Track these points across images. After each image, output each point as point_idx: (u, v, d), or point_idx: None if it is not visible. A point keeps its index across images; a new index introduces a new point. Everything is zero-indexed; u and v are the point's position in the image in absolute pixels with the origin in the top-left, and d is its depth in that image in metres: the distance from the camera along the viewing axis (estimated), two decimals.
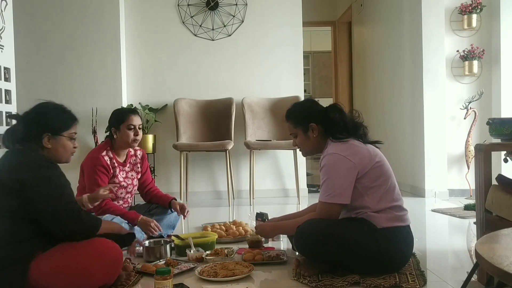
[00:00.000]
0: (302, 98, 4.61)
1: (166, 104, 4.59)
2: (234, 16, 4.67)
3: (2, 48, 3.06)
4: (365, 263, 1.98)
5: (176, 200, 2.88)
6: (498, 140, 2.24)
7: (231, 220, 3.18)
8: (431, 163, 4.42)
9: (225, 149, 4.14)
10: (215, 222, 3.12)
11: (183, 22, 4.66)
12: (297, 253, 2.31)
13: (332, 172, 2.02)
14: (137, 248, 2.55)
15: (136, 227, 2.66)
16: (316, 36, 9.34)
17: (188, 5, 4.65)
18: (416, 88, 4.58)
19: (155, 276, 1.76)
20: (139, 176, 2.88)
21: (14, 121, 1.88)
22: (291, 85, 4.69)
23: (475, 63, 4.42)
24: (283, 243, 2.67)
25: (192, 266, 2.19)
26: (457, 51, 4.49)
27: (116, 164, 2.71)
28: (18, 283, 1.64)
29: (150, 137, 4.41)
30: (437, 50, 4.41)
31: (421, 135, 4.46)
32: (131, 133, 2.69)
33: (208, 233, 2.73)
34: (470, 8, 4.38)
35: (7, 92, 3.10)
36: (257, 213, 2.75)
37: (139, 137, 2.73)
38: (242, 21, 4.68)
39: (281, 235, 2.67)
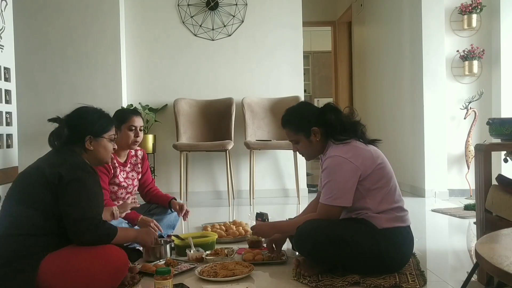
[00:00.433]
0: (302, 98, 4.62)
1: (166, 104, 4.59)
2: (234, 16, 4.67)
3: (2, 48, 3.06)
4: (365, 263, 1.98)
5: (176, 199, 2.88)
6: (498, 140, 2.23)
7: (231, 220, 3.18)
8: (431, 163, 4.42)
9: (225, 149, 4.14)
10: (215, 222, 3.12)
11: (183, 22, 4.66)
12: (297, 253, 2.31)
13: (335, 175, 2.01)
14: (137, 248, 2.56)
15: (135, 227, 2.66)
16: (316, 36, 9.34)
17: (188, 5, 4.65)
18: (416, 88, 4.58)
19: (155, 276, 1.76)
20: (139, 177, 2.87)
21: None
22: (291, 85, 4.69)
23: (475, 63, 4.42)
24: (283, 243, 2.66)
25: (192, 266, 2.19)
26: (457, 51, 4.49)
27: (116, 165, 2.71)
28: (27, 279, 1.66)
29: (150, 137, 4.41)
30: (437, 50, 4.40)
31: (421, 135, 4.46)
32: (132, 134, 2.67)
33: (208, 233, 2.73)
34: (470, 8, 4.38)
35: (7, 92, 3.10)
36: (257, 213, 2.75)
37: (140, 138, 2.71)
38: (242, 21, 4.68)
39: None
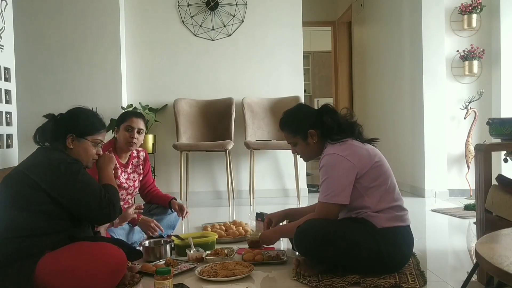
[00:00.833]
0: (302, 98, 4.62)
1: (166, 104, 4.59)
2: (234, 16, 4.67)
3: (2, 48, 3.06)
4: (365, 263, 1.98)
5: (176, 199, 2.88)
6: (498, 140, 2.24)
7: (231, 220, 3.18)
8: (431, 163, 4.42)
9: (225, 149, 4.14)
10: (215, 222, 3.12)
11: (183, 22, 4.66)
12: (297, 253, 2.31)
13: (331, 173, 2.02)
14: (136, 248, 2.56)
15: (136, 227, 2.66)
16: (316, 36, 9.34)
17: (188, 5, 4.65)
18: (416, 88, 4.58)
19: (155, 276, 1.76)
20: (141, 178, 2.87)
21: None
22: (291, 85, 4.69)
23: (475, 63, 4.42)
24: (283, 243, 2.67)
25: (192, 266, 2.19)
26: (457, 51, 4.49)
27: (118, 165, 2.69)
28: (25, 279, 1.66)
29: (150, 137, 4.41)
30: (437, 50, 4.41)
31: (421, 135, 4.46)
32: (127, 134, 2.65)
33: (208, 233, 2.72)
34: (470, 8, 4.38)
35: (7, 92, 3.10)
36: (257, 213, 2.75)
37: (136, 140, 2.66)
38: (242, 21, 4.68)
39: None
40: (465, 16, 4.42)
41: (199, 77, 4.67)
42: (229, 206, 4.24)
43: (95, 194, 1.83)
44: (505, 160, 2.23)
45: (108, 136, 3.93)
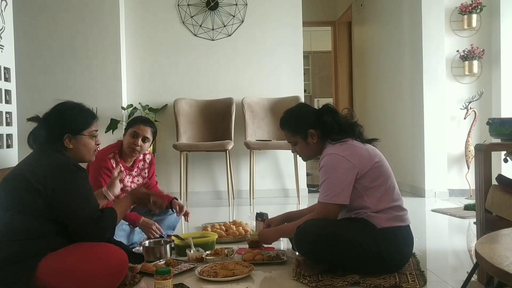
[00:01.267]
0: (302, 98, 4.62)
1: (166, 104, 4.59)
2: (234, 16, 4.67)
3: (2, 48, 3.06)
4: (365, 263, 1.98)
5: (177, 200, 2.87)
6: (498, 140, 2.24)
7: (231, 220, 3.18)
8: (431, 163, 4.42)
9: (225, 149, 4.14)
10: (215, 222, 3.12)
11: (183, 22, 4.66)
12: (297, 253, 2.31)
13: (331, 173, 2.02)
14: (136, 248, 2.56)
15: (136, 228, 2.66)
16: (316, 36, 9.34)
17: (188, 5, 4.65)
18: (416, 88, 4.58)
19: (155, 276, 1.76)
20: (145, 181, 2.86)
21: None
22: (291, 85, 4.69)
23: (475, 63, 4.42)
24: (283, 243, 2.67)
25: (192, 266, 2.19)
26: (457, 51, 4.49)
27: (122, 168, 2.67)
28: (25, 280, 1.65)
29: None
30: (437, 50, 4.41)
31: (421, 135, 4.46)
32: (132, 140, 2.63)
33: (208, 233, 2.73)
34: (470, 8, 4.38)
35: (7, 92, 3.10)
36: (257, 213, 2.75)
37: (139, 148, 2.64)
38: (242, 21, 4.68)
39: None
40: (465, 16, 4.42)
41: (199, 77, 4.67)
42: (229, 206, 4.24)
43: (86, 206, 1.76)
44: (505, 160, 2.23)
45: (108, 136, 3.98)
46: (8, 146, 3.09)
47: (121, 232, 2.54)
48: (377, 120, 5.65)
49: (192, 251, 2.35)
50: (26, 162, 1.85)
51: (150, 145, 2.79)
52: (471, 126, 4.40)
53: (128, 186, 2.71)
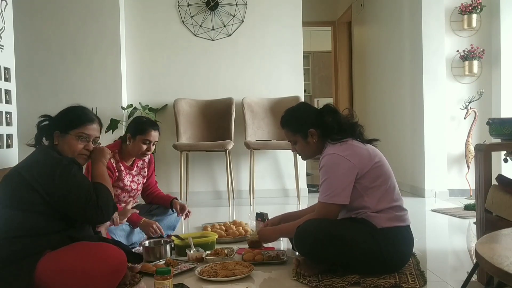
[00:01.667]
0: (302, 98, 4.62)
1: (166, 104, 4.59)
2: (234, 16, 4.67)
3: (2, 48, 3.06)
4: (365, 263, 1.98)
5: (177, 199, 2.87)
6: (498, 140, 2.24)
7: (231, 220, 3.18)
8: (431, 163, 4.42)
9: (225, 149, 4.14)
10: (215, 222, 3.12)
11: (183, 22, 4.66)
12: (297, 253, 2.31)
13: (331, 173, 2.02)
14: (136, 248, 2.56)
15: (135, 228, 2.66)
16: (316, 36, 9.34)
17: (188, 5, 4.65)
18: (416, 88, 4.58)
19: (155, 276, 1.76)
20: (144, 181, 2.86)
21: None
22: (291, 85, 4.69)
23: (475, 63, 4.42)
24: (283, 243, 2.67)
25: (192, 266, 2.19)
26: (457, 51, 4.49)
27: (122, 168, 2.68)
28: (25, 279, 1.65)
29: None
30: (437, 50, 4.41)
31: (421, 135, 4.46)
32: (144, 147, 2.64)
33: (208, 233, 2.72)
34: (470, 8, 4.38)
35: (7, 92, 3.10)
36: (257, 213, 2.75)
37: (150, 152, 2.69)
38: (242, 21, 4.68)
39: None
40: (465, 16, 4.42)
41: (199, 77, 4.67)
42: (229, 206, 4.24)
43: (81, 194, 1.79)
44: (505, 160, 2.23)
45: (108, 137, 3.98)
46: (8, 146, 3.09)
47: (120, 232, 2.54)
48: (377, 120, 5.65)
49: (192, 251, 2.35)
50: (25, 159, 1.89)
51: None
52: (471, 126, 4.40)
53: (128, 185, 2.72)
